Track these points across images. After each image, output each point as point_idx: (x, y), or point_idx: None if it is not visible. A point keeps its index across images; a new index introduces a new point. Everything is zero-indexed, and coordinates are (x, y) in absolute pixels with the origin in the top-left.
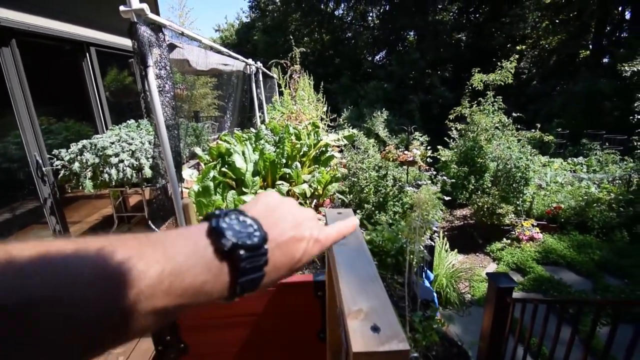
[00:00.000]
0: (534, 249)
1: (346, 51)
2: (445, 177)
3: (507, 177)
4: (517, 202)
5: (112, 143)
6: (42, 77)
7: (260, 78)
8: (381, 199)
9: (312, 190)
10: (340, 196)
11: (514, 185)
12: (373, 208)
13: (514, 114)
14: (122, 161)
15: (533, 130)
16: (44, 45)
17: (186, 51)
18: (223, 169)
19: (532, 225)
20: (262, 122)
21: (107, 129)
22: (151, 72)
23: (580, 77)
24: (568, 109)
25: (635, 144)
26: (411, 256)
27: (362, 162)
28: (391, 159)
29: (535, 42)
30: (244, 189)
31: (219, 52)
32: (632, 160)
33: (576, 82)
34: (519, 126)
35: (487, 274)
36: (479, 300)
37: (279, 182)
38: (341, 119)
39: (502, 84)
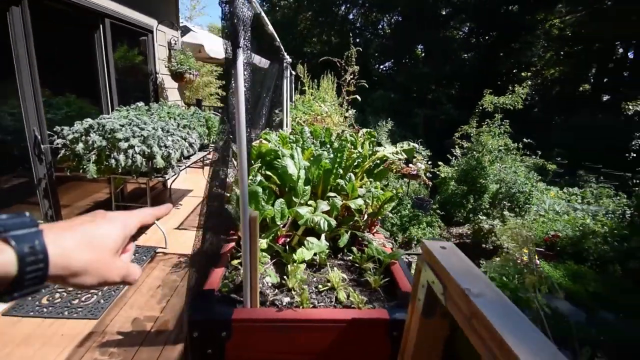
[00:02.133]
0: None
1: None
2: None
3: (509, 201)
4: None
5: (122, 126)
6: (51, 45)
7: (289, 74)
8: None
9: (366, 207)
10: (391, 215)
11: (516, 209)
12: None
13: (525, 140)
14: (132, 147)
15: (534, 157)
16: (58, 10)
17: (201, 35)
18: (267, 172)
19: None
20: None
21: (113, 109)
22: (241, 55)
23: (579, 111)
24: (567, 140)
25: (631, 182)
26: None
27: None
28: (394, 170)
29: (538, 71)
30: (294, 198)
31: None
32: (625, 196)
33: (575, 115)
34: (527, 152)
35: None
36: None
37: (330, 193)
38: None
39: (512, 108)
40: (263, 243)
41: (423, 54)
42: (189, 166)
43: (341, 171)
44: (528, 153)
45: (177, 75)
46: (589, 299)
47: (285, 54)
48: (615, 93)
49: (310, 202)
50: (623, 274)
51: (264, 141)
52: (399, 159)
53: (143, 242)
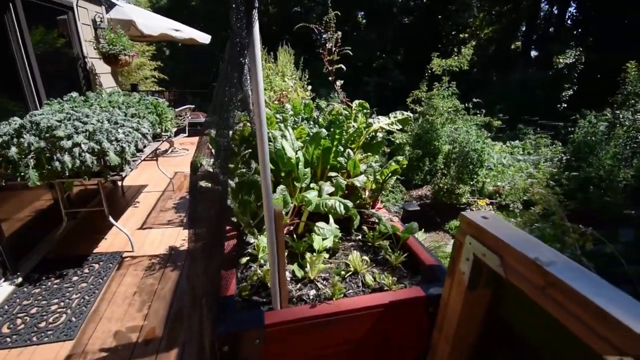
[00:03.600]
0: None
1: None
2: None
3: (463, 159)
4: (472, 183)
5: (60, 122)
6: None
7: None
8: None
9: (372, 183)
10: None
11: (470, 167)
12: None
13: (474, 100)
14: (77, 145)
15: (480, 116)
16: None
17: (129, 10)
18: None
19: (486, 204)
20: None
21: (41, 104)
22: (256, 21)
23: (514, 68)
24: (505, 97)
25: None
26: None
27: None
28: None
29: (474, 32)
30: (295, 182)
31: None
32: (560, 144)
33: (510, 72)
34: (477, 111)
35: None
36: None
37: (331, 173)
38: None
39: (458, 69)
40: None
41: (364, 21)
42: (144, 159)
43: (341, 148)
44: (477, 112)
45: (109, 58)
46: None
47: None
48: (543, 49)
49: (312, 185)
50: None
51: (248, 124)
52: (396, 130)
53: (105, 249)
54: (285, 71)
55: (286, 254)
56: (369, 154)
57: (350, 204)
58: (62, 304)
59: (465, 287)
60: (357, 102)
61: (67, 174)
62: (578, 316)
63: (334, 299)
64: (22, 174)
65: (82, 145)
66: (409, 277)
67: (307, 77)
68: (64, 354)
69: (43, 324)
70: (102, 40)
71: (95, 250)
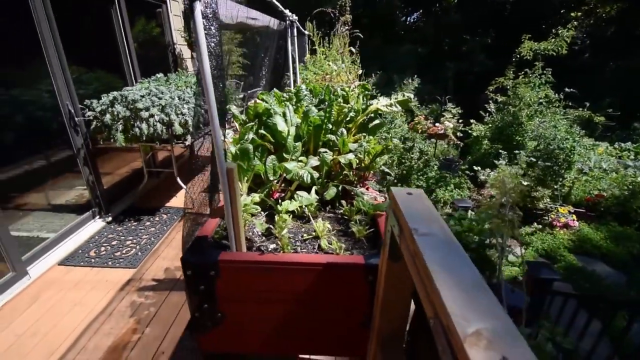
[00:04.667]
0: (567, 236)
1: (377, 10)
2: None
3: (547, 159)
4: (555, 187)
5: (142, 96)
6: (72, 24)
7: (295, 33)
8: (404, 172)
9: (358, 161)
10: (387, 170)
11: (554, 168)
12: (395, 180)
13: (566, 89)
14: (152, 116)
15: (581, 109)
16: None
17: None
18: (261, 131)
19: (569, 212)
20: (294, 82)
21: (136, 81)
22: (198, 7)
23: (637, 54)
24: (621, 88)
25: None
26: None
27: (387, 131)
28: (419, 130)
29: (591, 10)
30: (284, 154)
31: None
32: None
33: (632, 59)
34: (570, 103)
35: (527, 262)
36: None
37: (322, 149)
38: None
39: (554, 54)
40: (256, 197)
41: (456, 1)
42: (207, 133)
43: (331, 126)
44: (572, 105)
45: (191, 45)
46: (632, 261)
47: (287, 11)
48: None
49: (301, 158)
50: None
51: (258, 101)
52: (397, 111)
53: (174, 204)
54: (337, 55)
55: (267, 214)
56: (364, 134)
57: (316, 174)
58: (134, 241)
59: (387, 258)
60: (356, 83)
61: (144, 139)
62: (425, 285)
63: (281, 252)
64: (113, 136)
65: (155, 117)
66: (368, 249)
67: (358, 61)
68: (126, 278)
69: (118, 253)
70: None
71: (166, 204)
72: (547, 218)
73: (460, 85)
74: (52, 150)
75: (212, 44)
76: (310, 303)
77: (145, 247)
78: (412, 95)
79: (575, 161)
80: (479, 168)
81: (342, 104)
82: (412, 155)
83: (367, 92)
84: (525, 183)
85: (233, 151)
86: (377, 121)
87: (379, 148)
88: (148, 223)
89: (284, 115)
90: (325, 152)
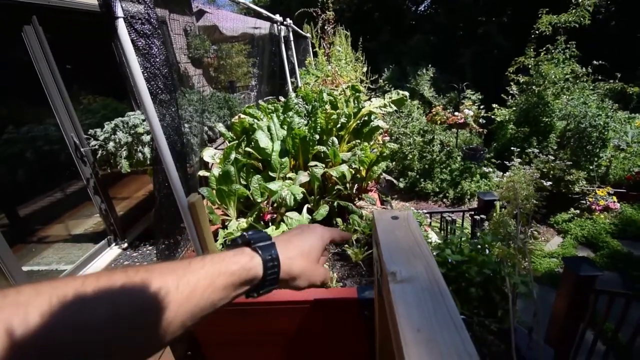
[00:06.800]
0: (609, 220)
1: (386, 2)
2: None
3: (579, 138)
4: (591, 167)
5: (143, 120)
6: (70, 55)
7: (292, 38)
8: (427, 166)
9: (353, 172)
10: (389, 177)
11: (588, 147)
12: (417, 176)
13: (594, 62)
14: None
15: (612, 81)
16: (68, 21)
17: (215, 17)
18: (247, 149)
19: (608, 193)
20: (295, 89)
21: (140, 105)
22: (122, 25)
23: None
24: None
25: None
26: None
27: (405, 126)
28: (439, 121)
29: None
30: (270, 172)
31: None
32: None
33: None
34: (599, 77)
35: (564, 258)
36: (541, 277)
37: (312, 163)
38: (381, 80)
39: (577, 25)
40: (243, 222)
41: None
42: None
43: (317, 137)
44: (602, 78)
45: (195, 62)
46: None
47: (278, 17)
48: None
49: (290, 175)
50: None
51: (242, 116)
52: (388, 113)
53: None
54: (340, 55)
55: None
56: (358, 140)
57: (300, 195)
58: None
59: (376, 293)
60: (344, 85)
61: (148, 163)
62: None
63: None
64: (118, 163)
65: None
66: (366, 275)
67: (363, 59)
68: None
69: None
70: (191, 46)
71: (181, 225)
72: (584, 202)
73: (479, 71)
74: (63, 182)
75: (156, 64)
76: (303, 345)
77: None
78: (407, 93)
79: (611, 138)
80: (504, 161)
81: (328, 110)
82: (433, 148)
83: (357, 93)
84: (548, 183)
85: (216, 174)
86: (373, 124)
87: (372, 156)
88: (163, 246)
89: (269, 129)
90: (316, 165)
